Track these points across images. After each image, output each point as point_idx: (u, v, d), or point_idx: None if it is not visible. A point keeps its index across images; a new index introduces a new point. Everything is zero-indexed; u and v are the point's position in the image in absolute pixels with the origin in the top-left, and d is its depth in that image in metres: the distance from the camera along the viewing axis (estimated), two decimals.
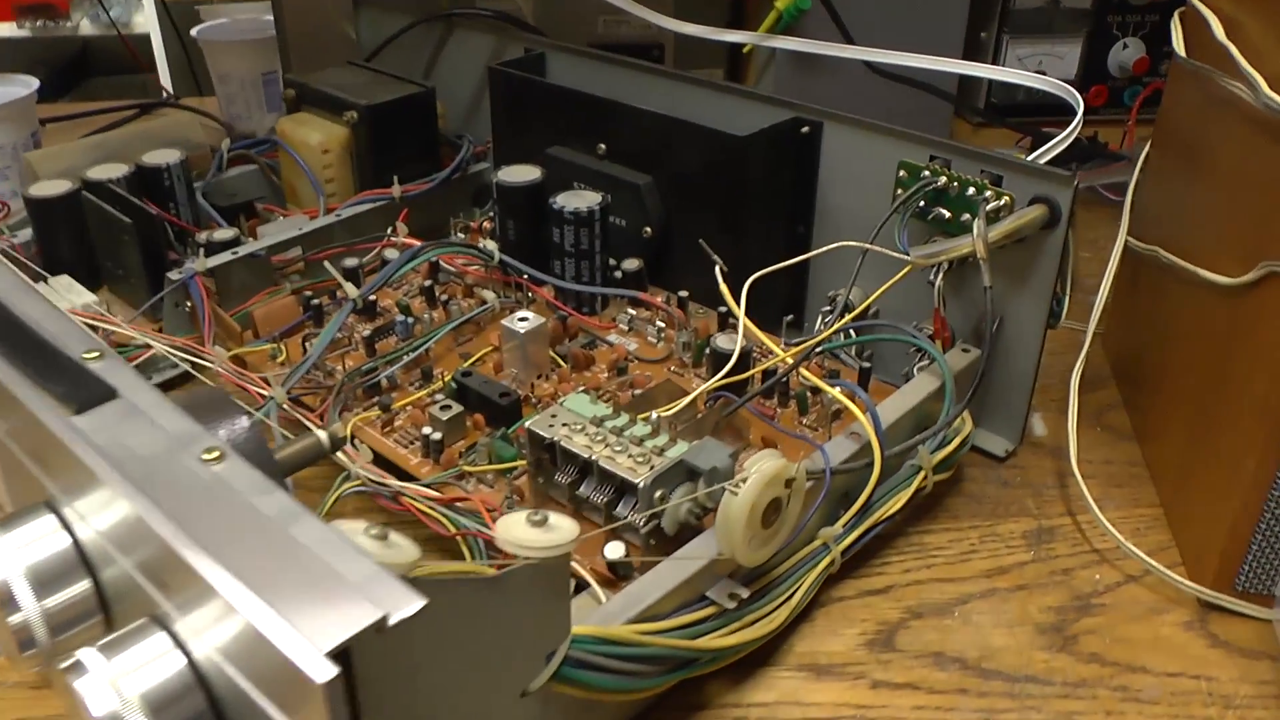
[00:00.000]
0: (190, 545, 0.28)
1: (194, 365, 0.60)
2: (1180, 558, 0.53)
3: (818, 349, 0.55)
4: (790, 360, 0.53)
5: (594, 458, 0.45)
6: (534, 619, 0.35)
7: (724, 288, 0.56)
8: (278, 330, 0.64)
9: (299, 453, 0.39)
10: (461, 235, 0.74)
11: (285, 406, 0.55)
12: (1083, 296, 0.60)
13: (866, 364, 0.57)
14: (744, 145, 0.60)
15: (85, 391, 0.34)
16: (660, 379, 0.59)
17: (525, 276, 0.65)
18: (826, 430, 0.54)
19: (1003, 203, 0.54)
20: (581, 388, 0.49)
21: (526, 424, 0.48)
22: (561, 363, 0.60)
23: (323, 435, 0.40)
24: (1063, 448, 0.59)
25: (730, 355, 0.55)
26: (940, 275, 0.57)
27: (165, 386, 0.66)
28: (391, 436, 0.56)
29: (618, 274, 0.66)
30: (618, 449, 0.46)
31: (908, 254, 0.55)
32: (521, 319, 0.58)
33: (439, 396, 0.56)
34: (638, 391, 0.57)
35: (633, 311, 0.64)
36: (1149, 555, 0.51)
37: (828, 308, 0.64)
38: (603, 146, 0.68)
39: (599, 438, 0.46)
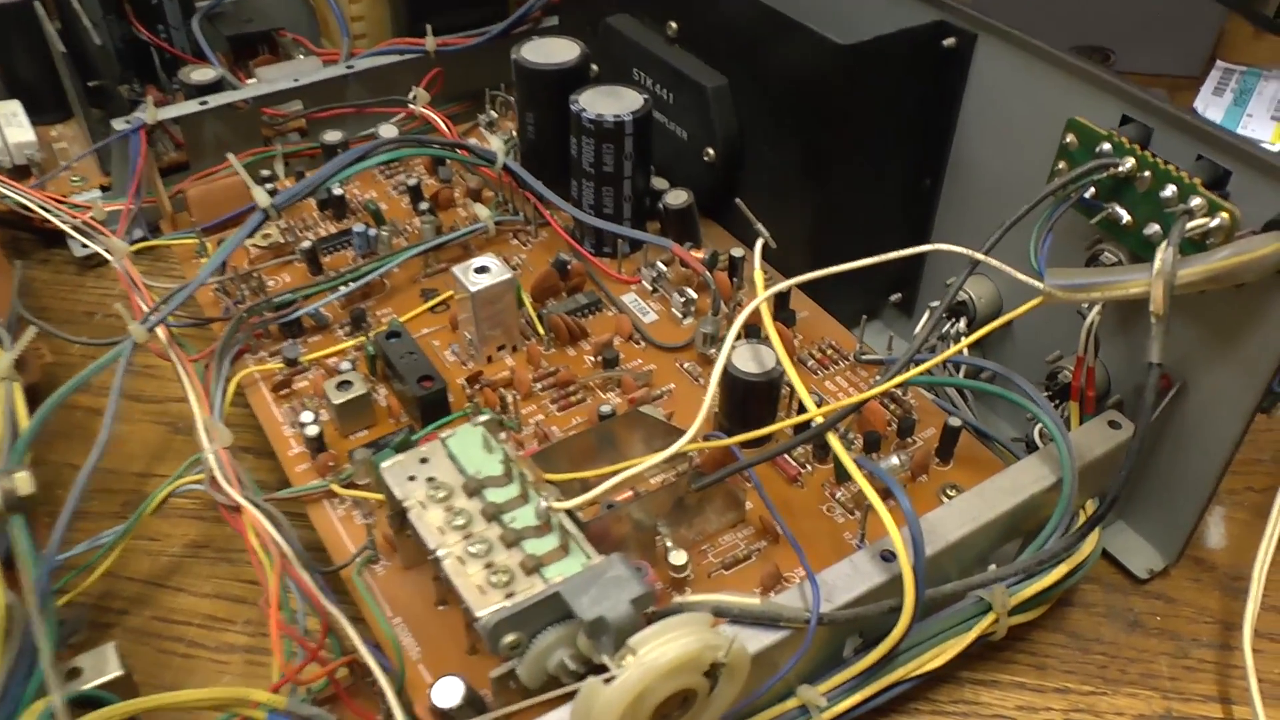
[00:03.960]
0: None
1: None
2: None
3: (876, 395, 0.36)
4: (822, 417, 0.35)
5: (440, 554, 0.30)
6: None
7: (759, 273, 0.38)
8: (217, 218, 0.50)
9: None
10: (491, 115, 0.57)
11: (161, 337, 0.42)
12: None
13: (955, 422, 0.38)
14: (845, 58, 0.40)
15: None
16: (659, 384, 0.42)
17: (534, 195, 0.48)
18: (862, 521, 0.36)
19: (1217, 222, 0.33)
20: (483, 418, 0.33)
21: (382, 465, 0.32)
22: (540, 329, 0.44)
23: None
24: (1241, 578, 0.40)
25: (749, 381, 0.37)
26: (1097, 308, 0.37)
27: (82, 265, 0.54)
28: (284, 405, 0.41)
29: (660, 206, 0.48)
30: (475, 547, 0.29)
31: (1041, 280, 0.35)
32: (480, 269, 0.41)
33: (345, 365, 0.41)
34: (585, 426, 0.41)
35: (664, 266, 0.47)
36: None
37: (937, 303, 0.44)
38: (674, 25, 0.49)
39: (460, 519, 0.30)
